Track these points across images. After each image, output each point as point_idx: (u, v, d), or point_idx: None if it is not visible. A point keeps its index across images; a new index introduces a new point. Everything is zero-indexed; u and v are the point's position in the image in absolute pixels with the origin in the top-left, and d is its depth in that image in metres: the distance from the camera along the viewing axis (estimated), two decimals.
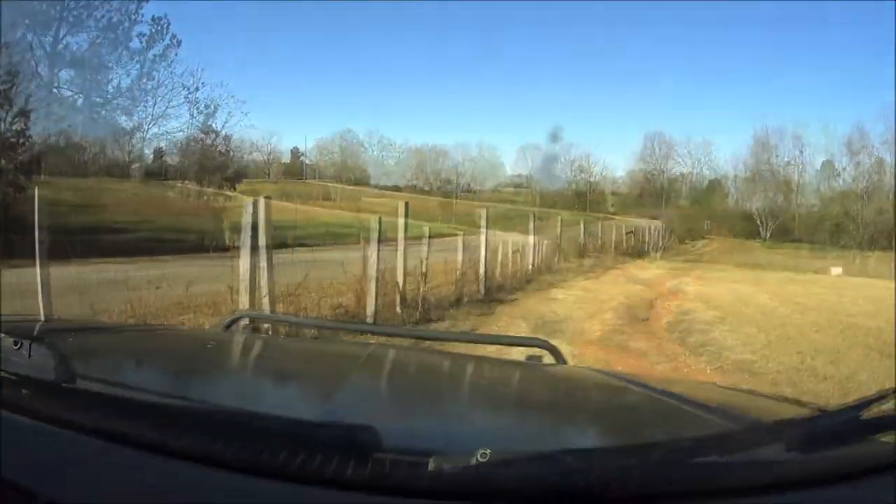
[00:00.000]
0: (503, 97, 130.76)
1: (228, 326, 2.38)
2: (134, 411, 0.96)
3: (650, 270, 30.68)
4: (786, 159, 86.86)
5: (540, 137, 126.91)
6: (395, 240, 11.25)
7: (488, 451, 0.83)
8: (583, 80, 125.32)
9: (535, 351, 2.36)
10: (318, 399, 1.43)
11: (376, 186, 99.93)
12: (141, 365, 1.73)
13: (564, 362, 2.22)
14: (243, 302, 7.55)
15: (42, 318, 4.26)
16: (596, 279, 23.59)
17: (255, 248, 7.78)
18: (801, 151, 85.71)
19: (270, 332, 5.00)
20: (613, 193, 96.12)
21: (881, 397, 1.00)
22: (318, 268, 10.42)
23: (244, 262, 7.73)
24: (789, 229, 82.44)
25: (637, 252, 36.21)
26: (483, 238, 16.57)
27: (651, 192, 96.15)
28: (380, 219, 9.49)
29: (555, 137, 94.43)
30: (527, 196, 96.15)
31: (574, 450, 0.95)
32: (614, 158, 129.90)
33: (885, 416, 0.94)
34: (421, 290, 11.77)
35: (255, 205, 7.85)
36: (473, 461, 0.82)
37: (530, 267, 21.20)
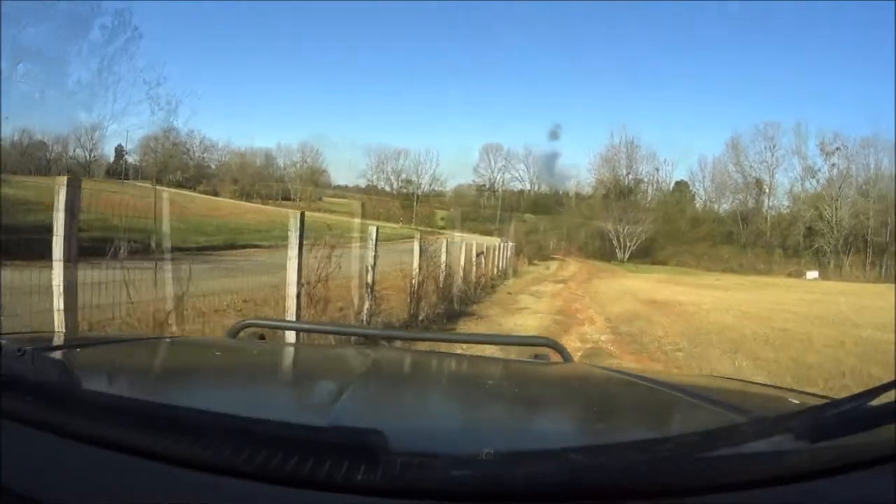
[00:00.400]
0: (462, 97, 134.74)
1: (235, 334, 2.34)
2: (141, 420, 0.95)
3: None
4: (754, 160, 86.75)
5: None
6: (348, 243, 10.19)
7: (497, 451, 0.85)
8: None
9: (542, 350, 2.43)
10: (326, 404, 1.36)
11: (336, 187, 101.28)
12: (147, 373, 1.72)
13: (571, 360, 2.33)
14: None
15: (48, 330, 4.24)
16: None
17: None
18: (773, 153, 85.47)
19: (276, 339, 4.83)
20: (439, 207, 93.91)
21: (889, 386, 0.99)
22: (236, 274, 9.08)
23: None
24: (762, 232, 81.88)
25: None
26: (444, 242, 16.03)
27: (487, 205, 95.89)
28: (302, 215, 7.21)
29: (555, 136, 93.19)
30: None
31: (582, 447, 0.96)
32: (445, 168, 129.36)
33: (893, 405, 0.90)
34: (366, 307, 9.88)
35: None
36: (483, 462, 0.84)
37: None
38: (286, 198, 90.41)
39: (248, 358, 2.04)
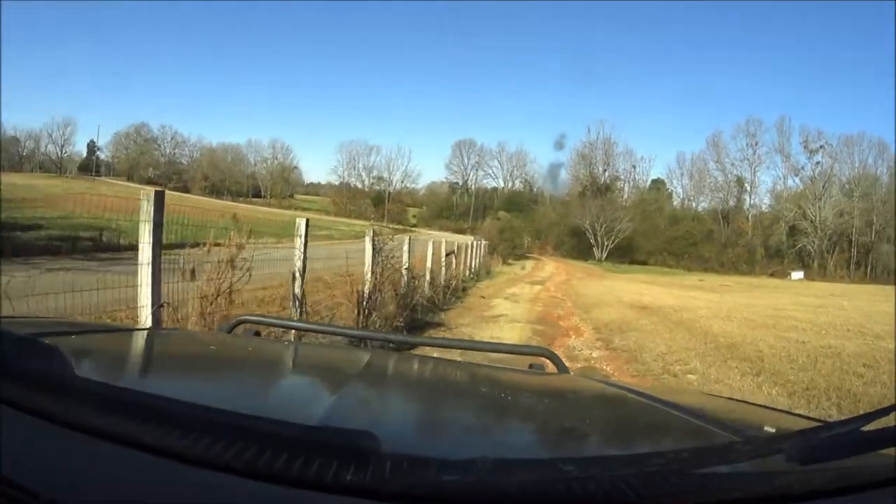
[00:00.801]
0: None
1: (231, 329, 2.40)
2: (135, 412, 0.96)
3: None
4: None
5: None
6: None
7: (489, 459, 0.85)
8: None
9: (537, 359, 2.47)
10: (318, 403, 1.40)
11: (310, 185, 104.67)
12: (143, 366, 1.78)
13: (566, 371, 2.36)
14: None
15: (44, 317, 4.11)
16: None
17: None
18: (755, 151, 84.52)
19: (272, 336, 4.77)
20: (411, 205, 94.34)
21: (884, 411, 1.01)
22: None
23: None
24: (743, 231, 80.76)
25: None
26: (407, 240, 14.02)
27: (460, 203, 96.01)
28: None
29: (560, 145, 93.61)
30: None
31: (575, 458, 0.97)
32: (418, 164, 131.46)
33: (886, 431, 0.92)
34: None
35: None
36: (474, 468, 0.84)
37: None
38: (256, 195, 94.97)
39: (242, 354, 2.04)
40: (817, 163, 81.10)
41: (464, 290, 21.22)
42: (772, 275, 70.14)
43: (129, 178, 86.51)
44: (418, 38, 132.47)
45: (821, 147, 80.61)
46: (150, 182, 77.73)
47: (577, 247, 79.48)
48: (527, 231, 73.39)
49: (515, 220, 70.43)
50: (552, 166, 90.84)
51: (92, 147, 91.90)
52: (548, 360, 2.42)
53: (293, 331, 5.32)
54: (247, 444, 0.86)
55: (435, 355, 2.98)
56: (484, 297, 20.06)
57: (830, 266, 74.73)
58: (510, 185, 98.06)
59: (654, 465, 0.88)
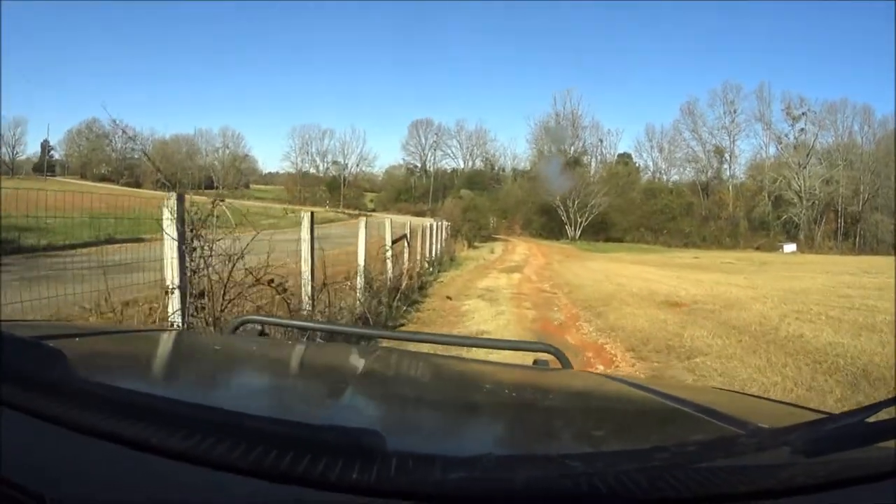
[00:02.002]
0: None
1: (235, 329, 2.41)
2: (139, 413, 0.97)
3: None
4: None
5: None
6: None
7: (494, 455, 0.88)
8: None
9: (541, 355, 2.45)
10: (323, 402, 1.46)
11: (268, 174, 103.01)
12: (147, 366, 1.76)
13: (570, 367, 2.34)
14: None
15: (46, 319, 4.50)
16: None
17: None
18: (734, 119, 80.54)
19: (277, 336, 4.82)
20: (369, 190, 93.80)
21: (888, 402, 1.04)
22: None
23: None
24: (724, 203, 77.05)
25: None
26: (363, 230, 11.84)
27: (418, 185, 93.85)
28: None
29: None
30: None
31: (580, 454, 0.97)
32: (373, 147, 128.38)
33: (891, 422, 0.94)
34: None
35: None
36: (479, 465, 0.85)
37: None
38: (209, 186, 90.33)
39: (247, 354, 2.06)
40: (801, 130, 77.74)
41: (422, 288, 16.20)
42: (757, 248, 66.87)
43: (83, 176, 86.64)
44: (367, 14, 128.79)
45: (803, 114, 77.30)
46: (103, 179, 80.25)
47: (548, 225, 75.18)
48: (492, 210, 68.39)
49: (479, 199, 65.64)
50: (553, 158, 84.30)
51: (46, 146, 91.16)
52: (552, 356, 2.38)
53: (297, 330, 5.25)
54: (252, 443, 0.88)
55: (439, 352, 3.22)
56: (450, 298, 14.92)
57: (818, 237, 71.25)
58: (470, 164, 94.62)
59: (660, 460, 0.89)
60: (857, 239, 72.18)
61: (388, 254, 13.51)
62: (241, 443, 0.87)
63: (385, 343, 3.34)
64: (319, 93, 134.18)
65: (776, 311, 13.16)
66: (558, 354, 2.34)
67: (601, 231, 73.32)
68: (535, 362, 2.42)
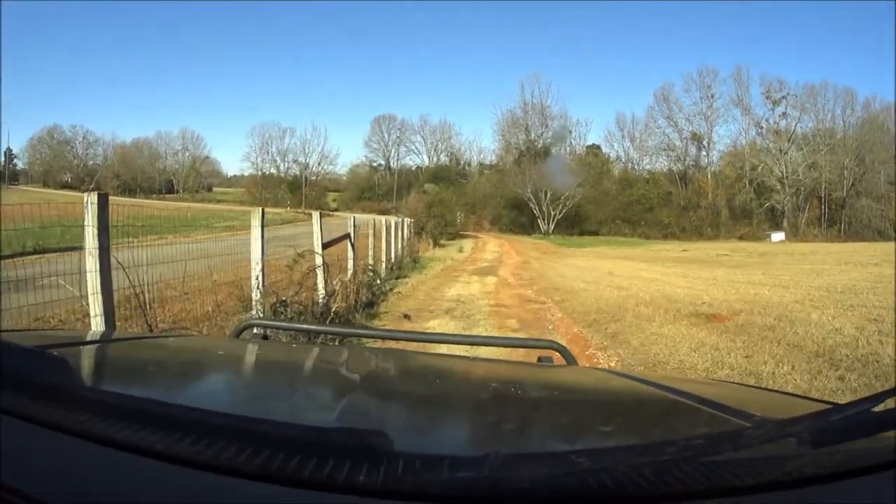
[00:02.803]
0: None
1: (239, 333, 2.41)
2: (144, 419, 0.98)
3: None
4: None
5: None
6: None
7: (500, 454, 0.87)
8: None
9: (545, 352, 2.46)
10: (329, 404, 1.48)
11: (233, 178, 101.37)
12: (149, 372, 1.75)
13: (575, 363, 2.36)
14: None
15: (49, 328, 4.98)
16: None
17: None
18: (711, 104, 77.90)
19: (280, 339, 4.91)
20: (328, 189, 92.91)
21: (893, 391, 1.04)
22: None
23: None
24: (704, 191, 74.56)
25: None
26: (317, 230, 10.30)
27: (382, 182, 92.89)
28: None
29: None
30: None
31: (586, 450, 0.97)
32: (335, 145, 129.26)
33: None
34: None
35: None
36: (486, 464, 0.86)
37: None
38: (170, 190, 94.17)
39: (251, 357, 2.08)
40: (783, 114, 75.03)
41: (372, 304, 12.61)
42: (741, 238, 64.51)
43: (45, 184, 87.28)
44: (323, 8, 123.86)
45: (783, 98, 74.71)
46: (65, 186, 79.52)
47: (518, 220, 71.87)
48: (459, 205, 63.97)
49: (445, 193, 60.86)
50: (556, 157, 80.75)
51: (8, 155, 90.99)
52: (556, 353, 2.39)
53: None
54: (258, 447, 0.89)
55: (443, 352, 3.35)
56: (409, 318, 11.38)
57: (802, 224, 68.81)
58: (435, 160, 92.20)
59: (666, 454, 0.90)
60: (842, 225, 70.14)
61: (319, 263, 9.75)
62: (248, 446, 0.88)
63: (388, 343, 3.15)
64: (278, 90, 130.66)
65: (850, 324, 9.85)
66: (563, 351, 2.36)
67: (575, 224, 70.05)
68: (540, 359, 2.40)
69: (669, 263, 27.93)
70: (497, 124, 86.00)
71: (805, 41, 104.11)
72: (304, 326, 4.05)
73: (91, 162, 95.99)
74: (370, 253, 16.47)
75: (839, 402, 1.12)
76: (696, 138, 78.36)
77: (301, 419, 1.18)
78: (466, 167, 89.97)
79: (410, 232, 30.16)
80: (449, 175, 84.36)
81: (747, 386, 2.81)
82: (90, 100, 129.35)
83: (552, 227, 69.41)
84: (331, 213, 50.95)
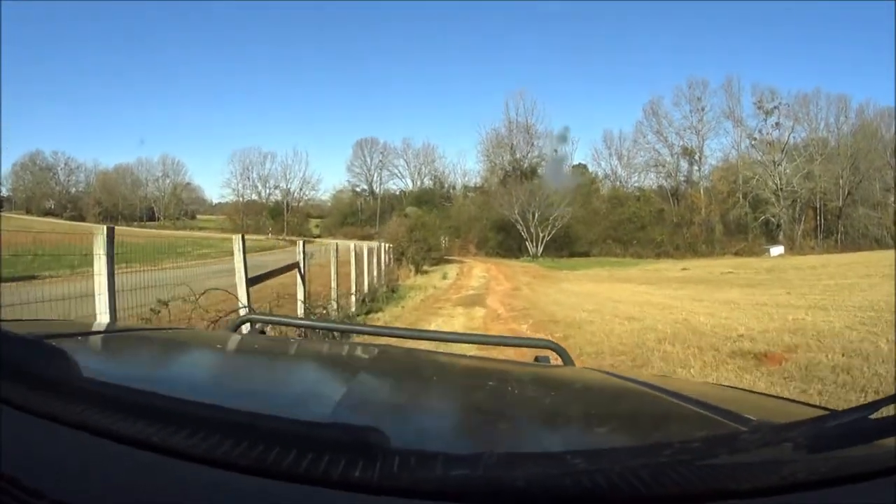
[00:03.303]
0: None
1: (236, 328, 2.51)
2: (141, 411, 0.99)
3: None
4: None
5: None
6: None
7: (496, 453, 0.88)
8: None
9: (542, 352, 2.55)
10: (325, 400, 1.40)
11: (217, 205, 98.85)
12: (149, 365, 1.80)
13: (571, 363, 2.39)
14: None
15: (49, 318, 4.61)
16: None
17: None
18: (702, 117, 76.21)
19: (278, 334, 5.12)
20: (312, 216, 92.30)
21: (890, 399, 1.06)
22: None
23: None
24: (696, 207, 72.26)
25: None
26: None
27: (365, 207, 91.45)
28: None
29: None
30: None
31: (582, 451, 0.95)
32: (317, 170, 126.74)
33: (893, 418, 0.95)
34: None
35: None
36: (481, 463, 0.86)
37: None
38: (151, 217, 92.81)
39: (248, 352, 2.10)
40: (776, 124, 73.21)
41: None
42: (736, 253, 62.66)
43: (28, 211, 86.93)
44: (304, 31, 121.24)
45: (775, 108, 73.09)
46: (47, 213, 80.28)
47: (505, 243, 69.22)
48: (443, 229, 61.24)
49: (428, 217, 57.59)
50: (555, 160, 79.50)
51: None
52: (553, 352, 2.46)
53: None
54: (254, 441, 0.89)
55: (441, 349, 3.18)
56: None
57: (798, 237, 66.95)
58: (419, 183, 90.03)
59: (663, 457, 0.90)
60: (839, 235, 68.26)
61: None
62: (244, 441, 0.89)
63: (386, 340, 2.94)
64: (259, 114, 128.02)
65: None
66: (559, 350, 2.42)
67: (564, 246, 67.54)
68: (537, 359, 2.48)
69: (674, 285, 25.82)
70: (481, 144, 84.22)
71: (796, 48, 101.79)
72: (302, 322, 3.89)
73: (73, 189, 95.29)
74: (334, 285, 14.24)
75: None
76: (688, 153, 76.64)
77: (297, 414, 1.09)
78: (451, 190, 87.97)
79: (389, 258, 28.05)
80: (433, 198, 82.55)
81: (745, 390, 2.76)
82: (70, 125, 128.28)
83: (541, 249, 66.97)
84: (312, 239, 50.48)
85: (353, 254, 17.07)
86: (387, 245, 29.28)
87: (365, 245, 22.54)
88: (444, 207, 78.02)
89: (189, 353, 2.03)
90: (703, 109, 75.35)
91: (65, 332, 1.83)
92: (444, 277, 33.30)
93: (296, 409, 1.34)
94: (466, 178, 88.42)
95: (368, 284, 19.23)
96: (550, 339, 4.04)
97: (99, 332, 2.15)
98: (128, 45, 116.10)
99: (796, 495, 0.91)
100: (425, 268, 38.24)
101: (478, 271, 40.90)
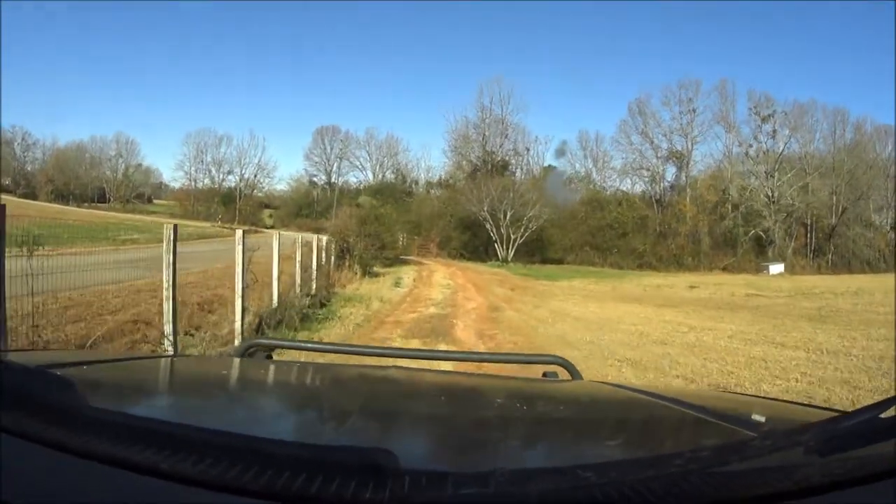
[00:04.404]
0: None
1: (243, 353, 2.43)
2: (149, 439, 0.99)
3: None
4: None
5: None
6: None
7: (506, 469, 0.89)
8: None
9: (550, 367, 2.50)
10: (334, 423, 1.49)
11: (177, 190, 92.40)
12: (154, 392, 1.82)
13: (580, 377, 2.40)
14: None
15: (55, 348, 5.08)
16: None
17: None
18: (692, 119, 70.99)
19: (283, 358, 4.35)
20: (266, 206, 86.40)
21: None
22: None
23: None
24: (682, 216, 66.62)
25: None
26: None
27: (322, 198, 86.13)
28: None
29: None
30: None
31: (593, 464, 0.95)
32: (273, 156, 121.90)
33: None
34: None
35: None
36: (491, 480, 0.87)
37: None
38: (102, 199, 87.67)
39: (255, 376, 2.10)
40: (774, 131, 67.70)
41: None
42: (724, 269, 57.66)
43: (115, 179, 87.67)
44: (266, 10, 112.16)
45: (771, 115, 67.65)
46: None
47: (471, 243, 62.28)
48: (400, 224, 54.17)
49: (384, 209, 48.84)
50: (554, 173, 73.70)
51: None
52: (561, 368, 2.43)
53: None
54: (263, 466, 0.90)
55: (447, 369, 3.06)
56: None
57: (789, 255, 61.83)
58: (380, 176, 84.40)
59: (674, 466, 0.91)
60: (830, 255, 63.47)
61: None
62: (254, 465, 0.89)
63: (393, 361, 3.08)
64: (218, 95, 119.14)
65: None
66: (567, 366, 2.41)
67: (536, 251, 60.91)
68: (545, 374, 2.47)
69: (698, 309, 20.36)
70: (449, 133, 77.58)
71: (792, 55, 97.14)
72: (310, 345, 3.59)
73: (30, 166, 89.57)
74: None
75: None
76: (677, 156, 70.89)
77: (306, 437, 1.20)
78: (413, 185, 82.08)
79: (328, 256, 22.33)
80: (393, 192, 76.06)
81: (752, 396, 2.77)
82: (28, 99, 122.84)
83: (512, 252, 60.04)
84: (260, 229, 47.38)
85: (238, 249, 11.11)
86: (326, 239, 23.56)
87: (295, 236, 19.57)
88: (404, 202, 71.47)
89: (195, 380, 2.03)
90: (693, 111, 69.83)
91: (68, 361, 1.80)
92: (397, 285, 26.58)
93: (304, 432, 1.40)
94: (430, 174, 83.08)
95: (281, 295, 13.51)
96: None
97: (103, 361, 2.05)
98: (92, 17, 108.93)
99: (811, 499, 0.91)
100: (377, 269, 31.82)
101: (440, 276, 34.30)
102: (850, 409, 1.05)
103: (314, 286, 17.65)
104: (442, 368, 2.97)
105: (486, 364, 4.00)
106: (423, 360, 2.96)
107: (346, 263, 26.47)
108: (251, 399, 1.81)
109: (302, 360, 3.93)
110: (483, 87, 75.30)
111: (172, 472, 0.90)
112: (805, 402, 2.52)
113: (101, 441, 0.96)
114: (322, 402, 1.82)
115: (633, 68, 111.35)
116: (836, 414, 1.14)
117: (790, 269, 56.46)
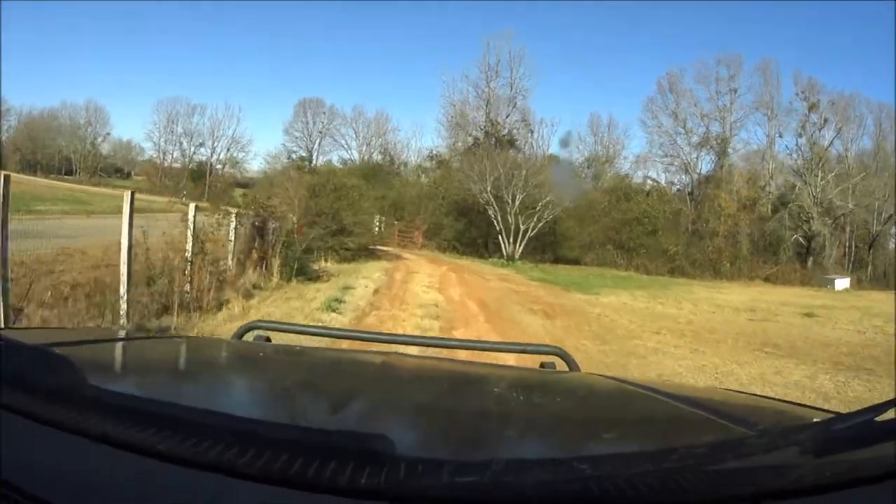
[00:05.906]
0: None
1: (241, 335, 2.46)
2: (147, 420, 1.01)
3: None
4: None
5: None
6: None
7: (503, 459, 0.91)
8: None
9: (548, 358, 2.49)
10: (332, 408, 1.48)
11: (151, 162, 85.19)
12: (153, 372, 1.80)
13: (577, 369, 2.39)
14: None
15: (54, 327, 4.95)
16: None
17: None
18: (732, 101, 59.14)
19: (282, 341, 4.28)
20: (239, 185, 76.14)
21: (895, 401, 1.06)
22: None
23: None
24: (721, 212, 53.87)
25: None
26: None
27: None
28: None
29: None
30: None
31: (589, 457, 1.00)
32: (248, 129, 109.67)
33: None
34: None
35: None
36: (488, 469, 0.88)
37: None
38: (69, 171, 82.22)
39: (254, 359, 2.09)
40: (825, 120, 56.27)
41: None
42: (767, 279, 47.22)
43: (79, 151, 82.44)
44: None
45: (814, 104, 56.53)
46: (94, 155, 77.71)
47: (467, 233, 48.97)
48: (376, 204, 41.70)
49: (353, 179, 36.66)
50: (563, 164, 61.86)
51: None
52: (559, 359, 2.41)
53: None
54: (261, 449, 0.90)
55: (446, 357, 3.04)
56: None
57: (830, 264, 51.63)
58: (367, 156, 74.35)
59: (670, 462, 0.92)
60: (870, 267, 54.00)
61: None
62: (250, 448, 0.90)
63: (393, 347, 3.19)
64: (193, 61, 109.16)
65: None
66: (565, 357, 2.39)
67: (547, 247, 48.01)
68: (542, 365, 2.46)
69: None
70: (444, 98, 65.37)
71: (835, 44, 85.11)
72: (309, 328, 3.48)
73: (4, 135, 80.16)
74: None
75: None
76: (719, 141, 58.90)
77: (303, 421, 1.21)
78: (402, 167, 71.61)
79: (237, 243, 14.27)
80: (379, 174, 63.24)
81: (751, 394, 2.68)
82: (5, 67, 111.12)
83: (521, 248, 46.19)
84: (231, 210, 36.06)
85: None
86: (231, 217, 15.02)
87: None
88: (386, 181, 59.45)
89: (194, 361, 2.04)
90: (735, 91, 57.86)
91: (69, 340, 1.81)
92: (331, 307, 13.88)
93: (302, 416, 1.39)
94: (421, 157, 72.66)
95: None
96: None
97: (104, 341, 2.08)
98: None
99: (804, 500, 0.92)
100: (327, 264, 20.60)
101: (421, 284, 20.98)
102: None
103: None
104: (441, 356, 2.93)
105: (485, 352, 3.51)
106: (421, 347, 3.15)
107: (257, 256, 15.53)
108: (249, 382, 1.80)
109: (301, 344, 3.72)
110: (490, 43, 62.90)
111: (169, 452, 0.92)
112: (802, 403, 2.23)
113: (98, 420, 0.98)
114: (320, 387, 1.78)
115: (652, 45, 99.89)
116: (832, 415, 1.15)
117: (855, 285, 45.80)
